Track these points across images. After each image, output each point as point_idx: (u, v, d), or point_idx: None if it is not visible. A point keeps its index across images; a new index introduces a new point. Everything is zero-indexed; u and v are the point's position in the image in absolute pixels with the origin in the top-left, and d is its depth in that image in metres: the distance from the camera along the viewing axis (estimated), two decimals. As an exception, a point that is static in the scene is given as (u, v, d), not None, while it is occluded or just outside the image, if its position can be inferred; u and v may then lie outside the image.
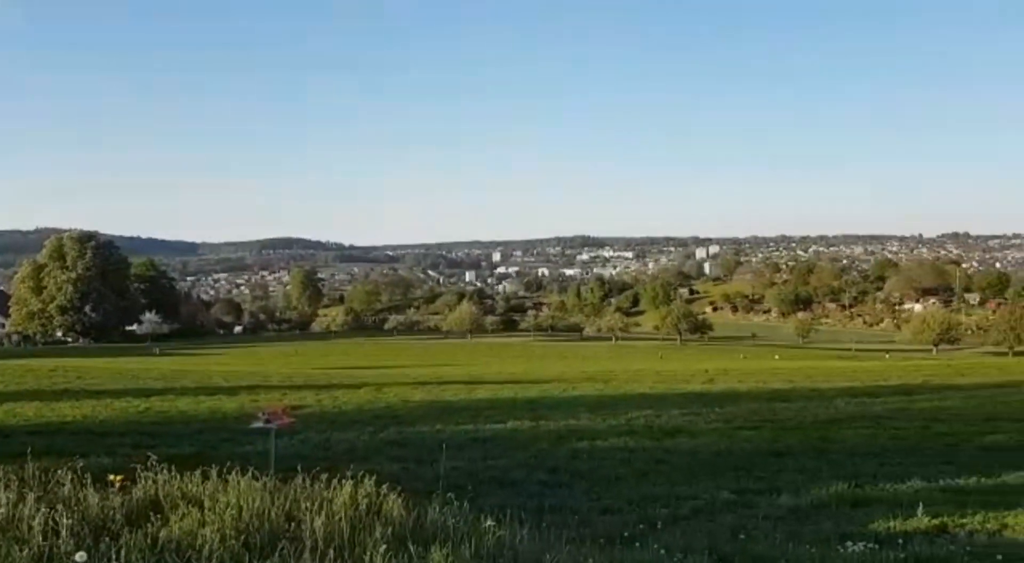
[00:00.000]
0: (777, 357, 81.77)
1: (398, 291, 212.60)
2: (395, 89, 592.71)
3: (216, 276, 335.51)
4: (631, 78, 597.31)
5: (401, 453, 14.05)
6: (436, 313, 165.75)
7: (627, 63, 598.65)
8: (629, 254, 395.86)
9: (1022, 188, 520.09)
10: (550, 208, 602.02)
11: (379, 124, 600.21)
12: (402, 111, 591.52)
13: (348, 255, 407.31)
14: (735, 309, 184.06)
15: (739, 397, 27.22)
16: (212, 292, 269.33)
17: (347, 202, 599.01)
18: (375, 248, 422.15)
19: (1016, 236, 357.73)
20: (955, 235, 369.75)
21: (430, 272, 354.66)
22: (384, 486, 5.84)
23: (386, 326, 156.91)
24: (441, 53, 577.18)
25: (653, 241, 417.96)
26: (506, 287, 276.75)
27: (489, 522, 5.34)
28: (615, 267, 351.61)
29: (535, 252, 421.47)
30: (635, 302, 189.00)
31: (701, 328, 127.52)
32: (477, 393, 29.34)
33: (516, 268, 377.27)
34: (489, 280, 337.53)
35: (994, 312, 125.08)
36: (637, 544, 6.63)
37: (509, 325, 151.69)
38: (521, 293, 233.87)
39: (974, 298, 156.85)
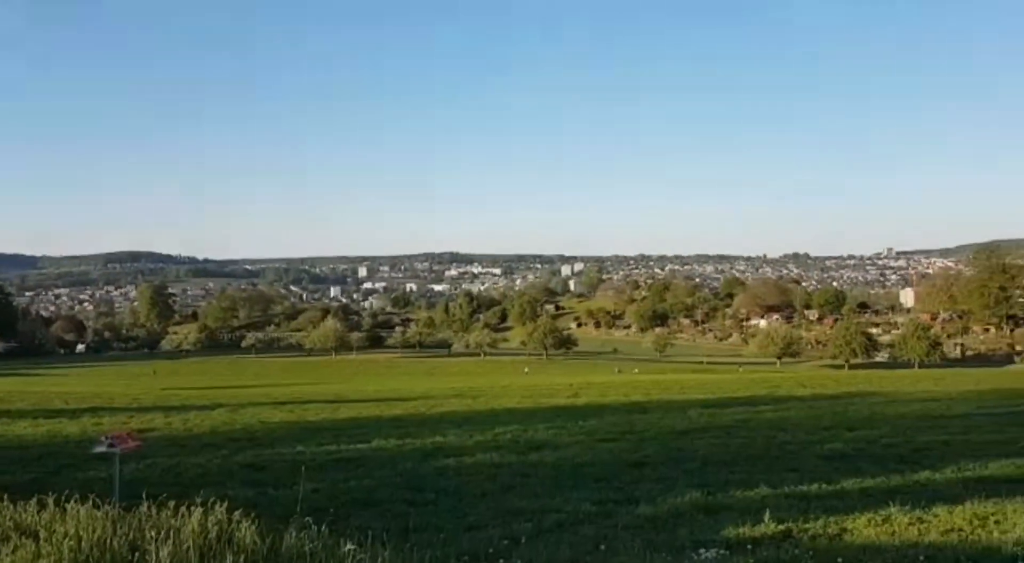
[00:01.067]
0: (636, 371, 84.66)
1: (257, 307, 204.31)
2: (252, 93, 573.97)
3: (57, 291, 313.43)
4: (500, 92, 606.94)
5: (258, 477, 13.48)
6: (298, 330, 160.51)
7: (480, 75, 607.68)
8: (497, 270, 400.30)
9: (855, 214, 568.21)
10: (419, 224, 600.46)
11: (236, 130, 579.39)
12: (260, 116, 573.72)
13: (202, 269, 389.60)
14: (598, 324, 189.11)
15: (602, 410, 27.88)
16: (53, 308, 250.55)
17: (201, 213, 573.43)
18: (232, 262, 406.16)
19: (851, 257, 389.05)
20: (796, 256, 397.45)
21: (292, 287, 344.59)
22: (237, 512, 5.55)
23: (244, 344, 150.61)
24: (291, 57, 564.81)
25: (521, 258, 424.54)
26: (373, 303, 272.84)
27: (349, 546, 5.17)
28: (484, 283, 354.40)
29: (403, 268, 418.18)
30: (503, 318, 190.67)
31: (566, 343, 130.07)
32: (341, 412, 28.62)
33: (383, 284, 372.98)
34: (355, 296, 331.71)
35: (831, 327, 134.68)
36: (501, 560, 6.63)
37: (376, 342, 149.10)
38: (388, 309, 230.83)
39: (813, 314, 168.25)
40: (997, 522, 8.18)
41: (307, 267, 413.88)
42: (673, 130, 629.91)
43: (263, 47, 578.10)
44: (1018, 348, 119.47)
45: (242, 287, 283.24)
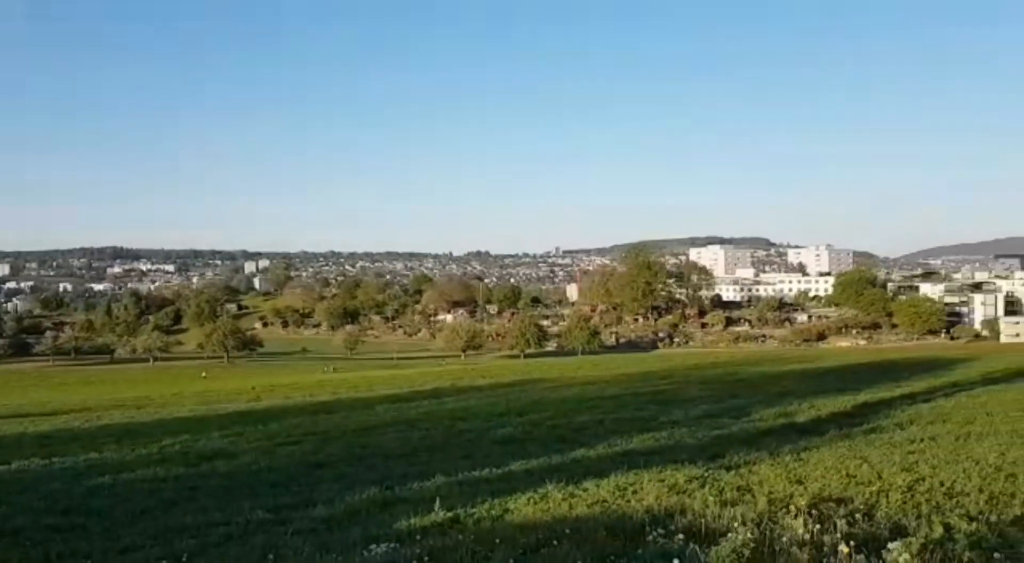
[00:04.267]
0: (334, 369, 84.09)
1: None
2: None
3: None
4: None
5: None
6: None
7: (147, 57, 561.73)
8: (170, 267, 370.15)
9: (529, 216, 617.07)
10: (73, 214, 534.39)
11: None
12: None
13: None
14: (286, 324, 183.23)
15: (285, 412, 27.17)
16: None
17: None
18: None
19: (526, 255, 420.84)
20: (479, 254, 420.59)
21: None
22: None
23: None
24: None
25: (197, 254, 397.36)
26: (18, 305, 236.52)
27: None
28: (154, 282, 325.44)
29: (55, 264, 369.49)
30: (177, 319, 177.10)
31: (250, 344, 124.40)
32: (-30, 432, 24.59)
33: (30, 283, 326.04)
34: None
35: (509, 321, 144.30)
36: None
37: (21, 349, 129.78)
38: (37, 312, 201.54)
39: (494, 309, 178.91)
40: (635, 492, 9.25)
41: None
42: (364, 129, 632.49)
43: None
44: (661, 335, 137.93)
45: None
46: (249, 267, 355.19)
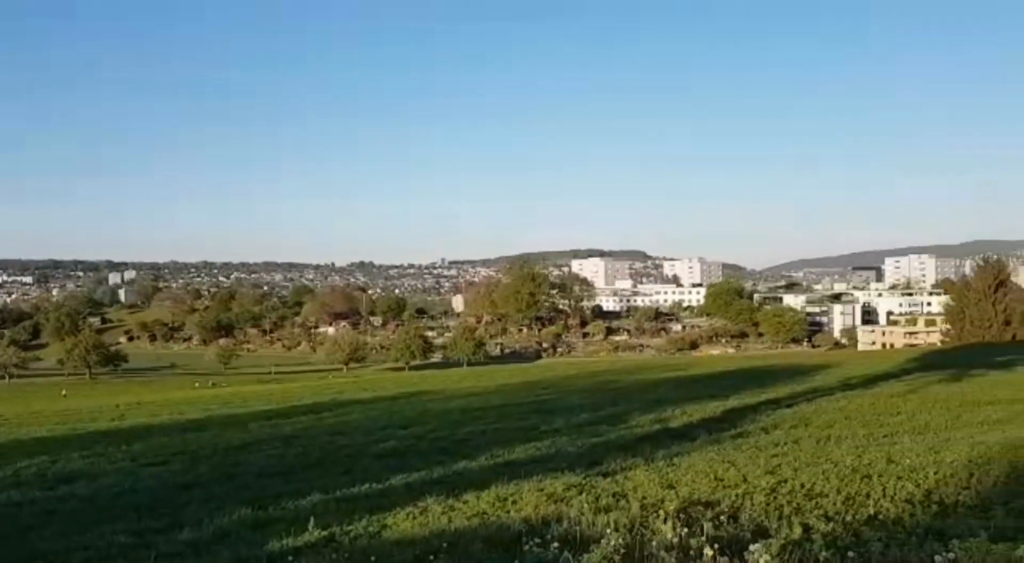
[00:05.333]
0: (213, 383, 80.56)
1: None
2: None
3: None
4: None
5: None
6: None
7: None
8: (28, 278, 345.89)
9: (414, 226, 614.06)
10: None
11: None
12: None
13: None
14: (153, 338, 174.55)
15: (151, 431, 25.81)
16: None
17: None
18: None
19: (411, 266, 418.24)
20: (362, 264, 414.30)
21: None
22: None
23: None
24: None
25: (58, 264, 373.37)
26: None
27: None
28: (10, 294, 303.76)
29: None
30: (35, 334, 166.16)
31: (114, 359, 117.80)
32: None
33: None
34: None
35: (394, 332, 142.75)
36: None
37: None
38: None
39: (378, 320, 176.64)
40: (514, 502, 9.30)
41: None
42: (239, 129, 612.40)
43: None
44: (544, 345, 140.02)
45: None
46: (114, 278, 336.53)
